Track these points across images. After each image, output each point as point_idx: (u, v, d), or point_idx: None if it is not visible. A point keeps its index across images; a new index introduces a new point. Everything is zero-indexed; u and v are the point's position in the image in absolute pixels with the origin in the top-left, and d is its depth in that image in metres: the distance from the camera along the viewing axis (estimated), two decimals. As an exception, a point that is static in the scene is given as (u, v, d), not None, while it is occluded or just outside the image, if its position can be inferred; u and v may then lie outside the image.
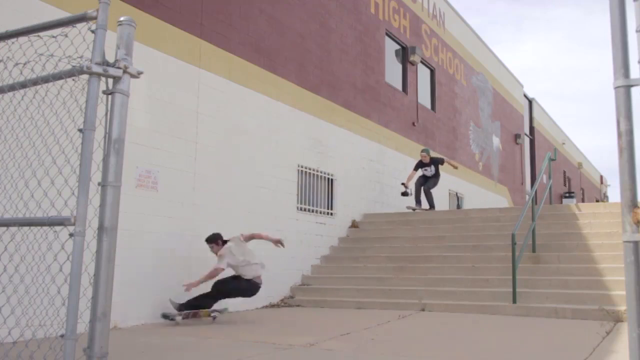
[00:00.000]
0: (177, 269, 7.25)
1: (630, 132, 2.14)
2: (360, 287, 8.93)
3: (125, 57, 2.83)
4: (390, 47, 13.46)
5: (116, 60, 2.81)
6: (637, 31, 2.15)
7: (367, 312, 7.84)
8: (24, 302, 3.62)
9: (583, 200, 31.25)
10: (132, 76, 2.85)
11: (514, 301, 7.50)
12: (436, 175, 11.96)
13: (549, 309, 7.16)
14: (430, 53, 15.06)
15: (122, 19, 2.87)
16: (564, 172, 27.99)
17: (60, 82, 3.01)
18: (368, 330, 6.20)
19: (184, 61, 7.69)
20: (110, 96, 2.83)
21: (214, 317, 6.94)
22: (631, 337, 2.09)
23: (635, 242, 2.09)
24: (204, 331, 6.18)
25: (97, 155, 2.84)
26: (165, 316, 6.75)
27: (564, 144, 28.30)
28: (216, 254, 6.94)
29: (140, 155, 6.86)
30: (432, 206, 11.84)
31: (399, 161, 12.87)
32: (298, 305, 8.72)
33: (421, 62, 14.52)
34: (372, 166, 11.98)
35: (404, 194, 11.58)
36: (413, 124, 13.82)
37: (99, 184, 2.79)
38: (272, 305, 8.70)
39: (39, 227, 3.22)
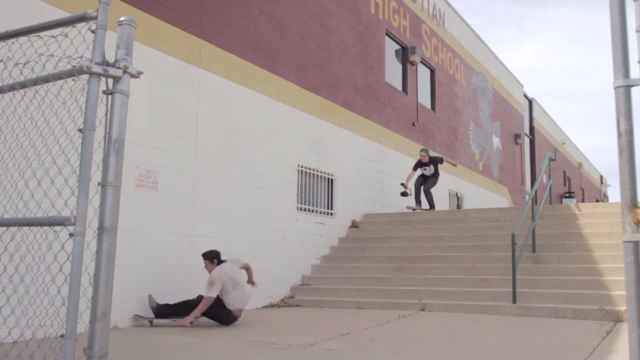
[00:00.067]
0: (177, 269, 7.25)
1: (630, 132, 2.14)
2: (360, 287, 8.93)
3: (125, 57, 2.83)
4: (390, 47, 13.46)
5: (116, 60, 2.81)
6: (637, 31, 2.15)
7: (367, 312, 7.84)
8: (24, 302, 3.62)
9: (583, 200, 31.25)
10: (132, 76, 2.85)
11: (514, 301, 7.50)
12: (435, 175, 11.96)
13: (549, 309, 7.16)
14: (430, 53, 15.06)
15: (122, 19, 2.87)
16: (564, 172, 27.99)
17: (60, 82, 3.01)
18: (368, 330, 6.20)
19: (184, 61, 7.69)
20: (110, 96, 2.83)
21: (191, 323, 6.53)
22: (631, 337, 2.09)
23: (635, 242, 2.09)
24: (204, 331, 6.18)
25: (97, 155, 2.84)
26: (140, 317, 6.56)
27: (564, 144, 28.30)
28: (209, 272, 6.60)
29: (140, 155, 6.86)
30: (432, 206, 11.85)
31: (399, 161, 12.88)
32: (298, 305, 8.72)
33: (421, 62, 14.52)
34: (372, 166, 11.99)
35: (404, 194, 11.58)
36: (413, 124, 13.82)
37: (99, 184, 2.79)
38: (272, 305, 8.70)
39: (39, 227, 3.22)
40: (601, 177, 39.39)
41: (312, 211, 10.14)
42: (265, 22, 9.31)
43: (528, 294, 7.70)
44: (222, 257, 6.78)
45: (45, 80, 3.01)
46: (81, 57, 3.01)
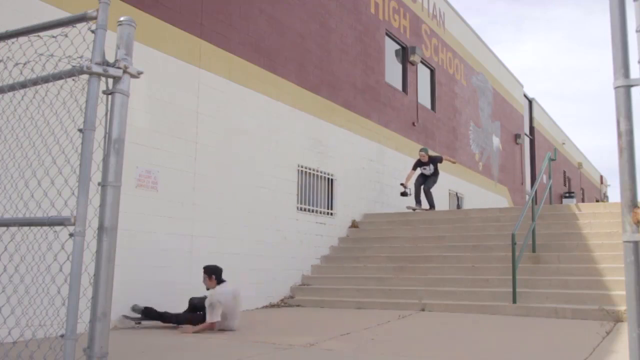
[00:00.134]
0: (177, 269, 7.25)
1: (630, 132, 2.14)
2: (360, 287, 8.93)
3: (125, 57, 2.83)
4: (390, 47, 13.46)
5: (116, 60, 2.81)
6: (637, 31, 2.15)
7: (367, 312, 7.84)
8: (24, 302, 3.62)
9: (583, 200, 31.25)
10: (132, 76, 2.85)
11: (514, 301, 7.50)
12: (435, 174, 11.97)
13: (549, 309, 7.16)
14: (430, 53, 15.06)
15: (122, 19, 2.87)
16: (564, 172, 27.99)
17: (60, 82, 3.01)
18: (368, 330, 6.20)
19: (184, 61, 7.69)
20: (110, 96, 2.83)
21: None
22: (631, 337, 2.09)
23: (635, 242, 2.09)
24: (203, 331, 6.18)
25: (97, 155, 2.84)
26: (127, 317, 6.44)
27: (564, 144, 28.30)
28: (206, 287, 6.38)
29: (140, 155, 6.86)
30: (432, 206, 11.85)
31: (399, 161, 12.88)
32: (298, 305, 8.72)
33: (421, 62, 14.52)
34: (372, 166, 11.99)
35: (403, 194, 11.59)
36: (413, 124, 13.82)
37: (99, 184, 2.79)
38: (272, 305, 8.70)
39: (39, 227, 3.22)
40: (601, 177, 39.40)
41: (312, 211, 10.14)
42: (265, 22, 9.31)
43: (528, 294, 7.70)
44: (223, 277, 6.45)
45: (45, 80, 3.01)
46: (81, 57, 3.01)
